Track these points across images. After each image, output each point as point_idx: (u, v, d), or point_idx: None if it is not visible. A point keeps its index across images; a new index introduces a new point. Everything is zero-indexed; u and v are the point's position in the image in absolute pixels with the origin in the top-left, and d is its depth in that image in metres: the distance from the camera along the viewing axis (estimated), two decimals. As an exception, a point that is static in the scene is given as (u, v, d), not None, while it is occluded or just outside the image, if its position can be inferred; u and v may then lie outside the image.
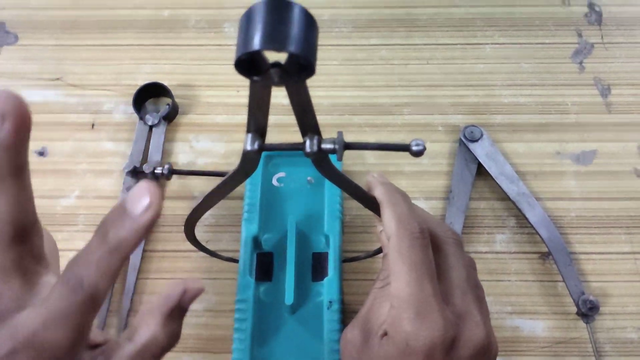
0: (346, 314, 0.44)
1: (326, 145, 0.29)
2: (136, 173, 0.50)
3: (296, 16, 0.22)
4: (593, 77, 0.56)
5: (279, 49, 0.22)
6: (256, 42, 0.21)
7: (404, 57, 0.57)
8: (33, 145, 0.53)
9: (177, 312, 0.33)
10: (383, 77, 0.56)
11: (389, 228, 0.34)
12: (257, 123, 0.29)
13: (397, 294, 0.32)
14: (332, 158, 0.32)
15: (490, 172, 0.50)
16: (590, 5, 0.60)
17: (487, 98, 0.55)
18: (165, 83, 0.54)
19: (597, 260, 0.48)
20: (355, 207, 0.50)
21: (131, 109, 0.53)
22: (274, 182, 0.49)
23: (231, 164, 0.52)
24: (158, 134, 0.53)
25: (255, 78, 0.24)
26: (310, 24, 0.23)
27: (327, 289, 0.43)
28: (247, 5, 0.59)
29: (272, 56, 0.22)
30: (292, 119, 0.53)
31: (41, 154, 0.53)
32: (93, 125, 0.54)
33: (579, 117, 0.54)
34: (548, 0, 0.60)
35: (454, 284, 0.35)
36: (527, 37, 0.58)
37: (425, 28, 0.59)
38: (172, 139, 0.54)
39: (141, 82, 0.54)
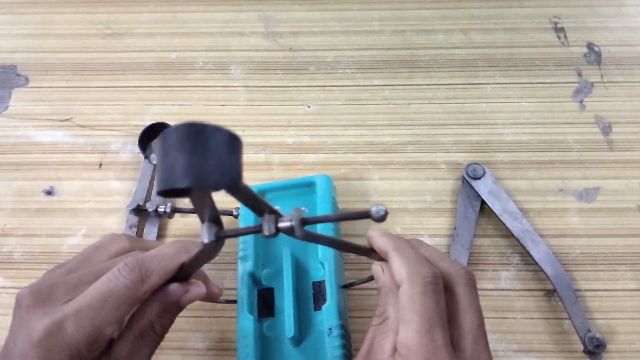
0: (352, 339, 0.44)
1: (283, 224, 0.30)
2: (139, 211, 0.51)
3: (215, 142, 0.22)
4: (594, 115, 0.57)
5: (203, 185, 0.22)
6: (179, 180, 0.22)
7: (407, 97, 0.58)
8: (41, 185, 0.54)
9: (174, 307, 0.37)
10: (386, 117, 0.57)
11: (399, 274, 0.34)
12: (210, 214, 0.29)
13: (405, 343, 0.32)
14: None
15: (493, 210, 0.51)
16: (589, 46, 0.61)
17: (489, 136, 0.56)
18: (172, 123, 0.55)
19: (603, 297, 0.48)
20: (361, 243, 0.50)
21: (138, 148, 0.54)
22: None
23: (235, 201, 0.52)
24: (164, 172, 0.53)
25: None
26: (230, 143, 0.23)
27: (326, 315, 0.42)
28: (252, 49, 0.61)
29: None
30: (296, 157, 0.54)
31: (49, 193, 0.54)
32: (100, 164, 0.55)
33: (581, 155, 0.54)
34: (547, 42, 0.61)
35: (466, 330, 0.34)
36: (527, 77, 0.59)
37: (427, 69, 0.60)
38: (178, 177, 0.54)
39: (148, 122, 0.55)
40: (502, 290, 0.49)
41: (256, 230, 0.30)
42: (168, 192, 0.24)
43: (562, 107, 0.57)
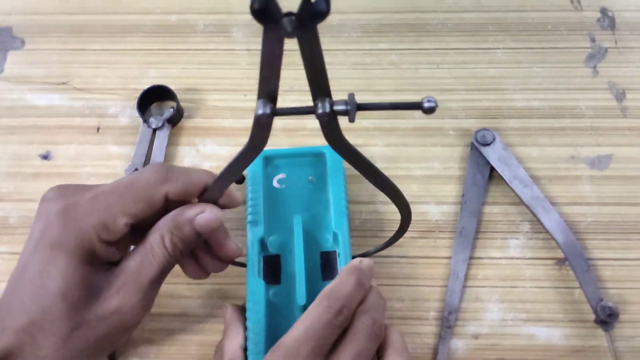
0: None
1: (338, 107, 0.29)
2: None
3: None
4: (607, 81, 0.55)
5: None
6: None
7: (414, 62, 0.57)
8: (37, 149, 0.53)
9: (188, 227, 0.37)
10: (393, 82, 0.55)
11: (326, 289, 0.36)
12: (269, 87, 0.29)
13: (281, 340, 0.34)
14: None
15: (503, 176, 0.49)
16: (603, 11, 0.59)
17: (499, 102, 0.54)
18: (172, 87, 0.54)
19: (615, 266, 0.47)
20: (364, 210, 0.49)
21: (137, 113, 0.53)
22: (275, 183, 0.47)
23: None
24: (161, 137, 0.52)
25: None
26: None
27: None
28: None
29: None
30: (299, 122, 0.52)
31: (45, 157, 0.52)
32: (98, 128, 0.54)
33: (594, 122, 0.53)
34: (560, 6, 0.59)
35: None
36: (539, 42, 0.57)
37: (436, 33, 0.58)
38: (177, 142, 0.53)
39: (147, 86, 0.53)
40: (511, 258, 0.47)
41: (310, 110, 0.30)
42: (258, 12, 0.24)
43: (575, 72, 0.55)
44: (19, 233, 0.49)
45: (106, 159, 0.52)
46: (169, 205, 0.37)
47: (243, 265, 0.44)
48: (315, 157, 0.48)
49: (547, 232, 0.47)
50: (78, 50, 0.58)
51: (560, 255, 0.47)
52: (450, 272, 0.46)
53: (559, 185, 0.50)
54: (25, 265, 0.34)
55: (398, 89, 0.55)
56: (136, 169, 0.49)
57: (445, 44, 0.58)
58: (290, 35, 0.25)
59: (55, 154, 0.53)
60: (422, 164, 0.51)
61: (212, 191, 0.38)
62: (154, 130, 0.52)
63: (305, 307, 0.40)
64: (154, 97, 0.54)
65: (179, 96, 0.53)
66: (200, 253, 0.41)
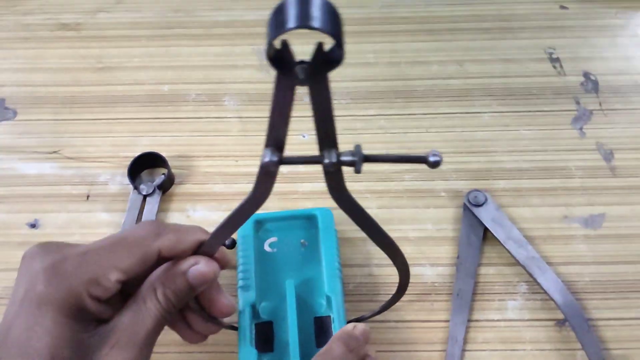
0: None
1: (345, 158, 0.29)
2: None
3: (322, 6, 0.23)
4: (595, 142, 0.55)
5: (308, 25, 0.22)
6: (288, 22, 0.22)
7: (403, 127, 0.57)
8: (25, 218, 0.52)
9: (181, 280, 0.35)
10: (382, 146, 0.56)
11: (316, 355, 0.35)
12: (277, 135, 0.29)
13: None
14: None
15: (497, 237, 0.49)
16: (586, 75, 0.60)
17: (489, 164, 0.54)
18: (163, 154, 0.54)
19: (617, 326, 0.46)
20: (359, 274, 0.48)
21: (127, 180, 0.52)
22: (266, 247, 0.47)
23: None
24: (152, 203, 0.51)
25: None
26: (335, 13, 0.24)
27: None
28: (248, 80, 0.62)
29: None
30: (291, 186, 0.52)
31: (33, 225, 0.52)
32: (88, 196, 0.53)
33: (584, 182, 0.53)
34: (543, 71, 0.61)
35: None
36: (525, 106, 0.58)
37: (423, 99, 0.59)
38: (168, 209, 0.52)
39: (138, 153, 0.53)
40: (510, 320, 0.46)
41: (317, 159, 0.29)
42: (273, 59, 0.24)
43: (562, 134, 0.56)
44: (3, 304, 0.48)
45: (95, 227, 0.51)
46: (162, 263, 0.36)
47: (236, 328, 0.42)
48: (306, 219, 0.48)
49: (544, 292, 0.46)
50: (70, 121, 0.58)
51: (560, 316, 0.46)
52: (448, 336, 0.45)
53: (553, 245, 0.49)
54: (10, 325, 0.32)
55: (388, 152, 0.55)
56: None
57: (433, 109, 0.59)
58: (302, 83, 0.25)
59: (44, 222, 0.52)
60: (416, 226, 0.51)
61: (209, 245, 0.36)
62: (145, 197, 0.52)
63: None
64: (145, 164, 0.54)
65: (170, 163, 0.53)
66: (189, 314, 0.39)
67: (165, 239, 0.35)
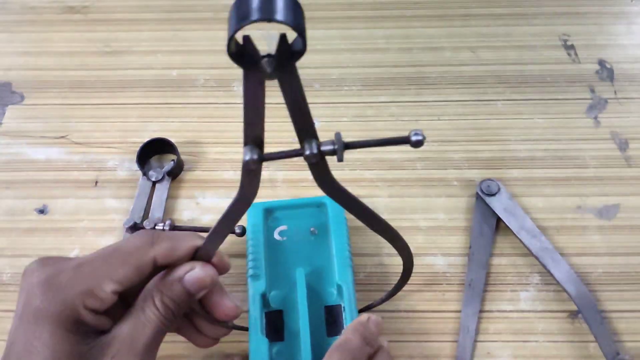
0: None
1: (325, 147, 0.28)
2: (136, 229, 0.48)
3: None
4: (609, 131, 0.55)
5: (270, 18, 0.22)
6: (249, 15, 0.22)
7: (415, 114, 0.56)
8: (33, 203, 0.52)
9: (178, 286, 0.35)
10: (394, 133, 0.54)
11: (333, 345, 0.35)
12: (254, 132, 0.29)
13: None
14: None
15: (510, 227, 0.48)
16: (601, 63, 0.59)
17: (502, 153, 0.54)
18: (172, 140, 0.53)
19: (630, 318, 0.45)
20: (369, 264, 0.48)
21: (136, 166, 0.52)
22: (276, 236, 0.46)
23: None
24: (161, 189, 0.51)
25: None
26: (296, 4, 0.24)
27: None
28: None
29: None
30: (300, 174, 0.52)
31: (41, 211, 0.51)
32: (96, 182, 0.53)
33: (598, 171, 0.52)
34: (557, 59, 0.60)
35: None
36: (539, 94, 0.57)
37: (435, 85, 0.59)
38: (177, 195, 0.52)
39: (147, 139, 0.53)
40: (522, 311, 0.46)
41: (298, 152, 0.29)
42: (236, 55, 0.24)
43: (576, 123, 0.55)
44: (13, 290, 0.47)
45: (104, 213, 0.51)
46: (159, 271, 0.36)
47: (245, 329, 0.42)
48: (316, 207, 0.47)
49: (557, 283, 0.45)
50: (77, 105, 0.58)
51: (573, 307, 0.45)
52: (460, 326, 0.45)
53: (567, 235, 0.49)
54: (13, 341, 0.32)
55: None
56: (135, 222, 0.48)
57: (445, 96, 0.58)
58: (270, 77, 0.26)
59: (52, 208, 0.51)
60: (427, 215, 0.50)
61: (205, 250, 0.36)
62: (154, 183, 0.51)
63: None
64: (153, 150, 0.53)
65: (179, 149, 0.53)
66: (197, 318, 0.39)
67: (159, 247, 0.35)
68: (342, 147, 0.28)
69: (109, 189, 0.52)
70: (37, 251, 0.49)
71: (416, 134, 0.28)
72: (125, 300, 0.35)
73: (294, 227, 0.47)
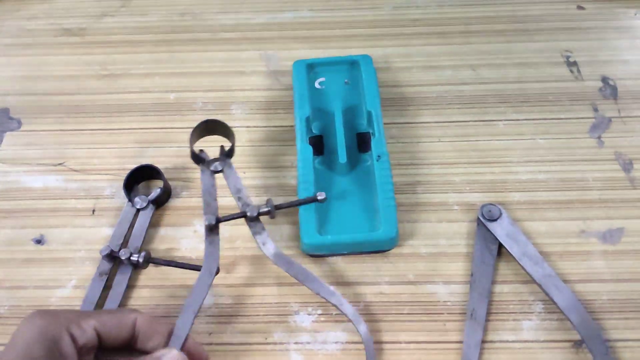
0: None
1: (263, 209, 0.44)
2: (112, 257, 0.48)
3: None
4: (613, 151, 0.54)
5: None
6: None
7: (414, 135, 0.56)
8: (31, 233, 0.51)
9: None
10: (393, 156, 0.54)
11: None
12: (211, 208, 0.44)
13: None
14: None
15: (512, 253, 0.47)
16: (604, 80, 0.58)
17: (503, 175, 0.53)
18: (170, 166, 0.53)
19: (636, 347, 0.44)
20: (369, 293, 0.47)
21: (132, 194, 0.52)
22: (317, 85, 0.57)
23: (236, 247, 0.49)
24: (144, 218, 0.50)
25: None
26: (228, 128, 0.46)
27: (376, 146, 0.51)
28: (255, 87, 0.61)
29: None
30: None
31: (39, 241, 0.51)
32: (93, 210, 0.52)
33: (602, 194, 0.51)
34: (560, 76, 0.59)
35: None
36: (541, 113, 0.57)
37: (435, 106, 0.58)
38: (174, 223, 0.51)
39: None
40: (525, 342, 0.45)
41: (243, 215, 0.44)
42: (195, 156, 0.45)
43: (579, 143, 0.54)
44: (10, 323, 0.47)
45: (101, 243, 0.50)
46: (134, 338, 0.38)
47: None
48: (349, 64, 0.58)
49: (561, 312, 0.45)
50: (75, 131, 0.57)
51: (577, 337, 0.44)
52: (462, 358, 0.44)
53: (570, 261, 0.48)
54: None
55: (399, 163, 0.54)
56: (112, 250, 0.47)
57: (445, 117, 0.57)
58: (217, 171, 0.45)
59: (49, 238, 0.51)
60: (428, 241, 0.50)
61: (178, 330, 0.39)
62: (138, 211, 0.51)
63: (345, 168, 0.51)
64: (142, 176, 0.53)
65: (175, 175, 0.52)
66: None
67: (134, 315, 0.38)
68: (273, 208, 0.44)
69: (106, 217, 0.52)
70: (34, 282, 0.49)
71: (320, 195, 0.45)
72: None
73: (330, 79, 0.58)
